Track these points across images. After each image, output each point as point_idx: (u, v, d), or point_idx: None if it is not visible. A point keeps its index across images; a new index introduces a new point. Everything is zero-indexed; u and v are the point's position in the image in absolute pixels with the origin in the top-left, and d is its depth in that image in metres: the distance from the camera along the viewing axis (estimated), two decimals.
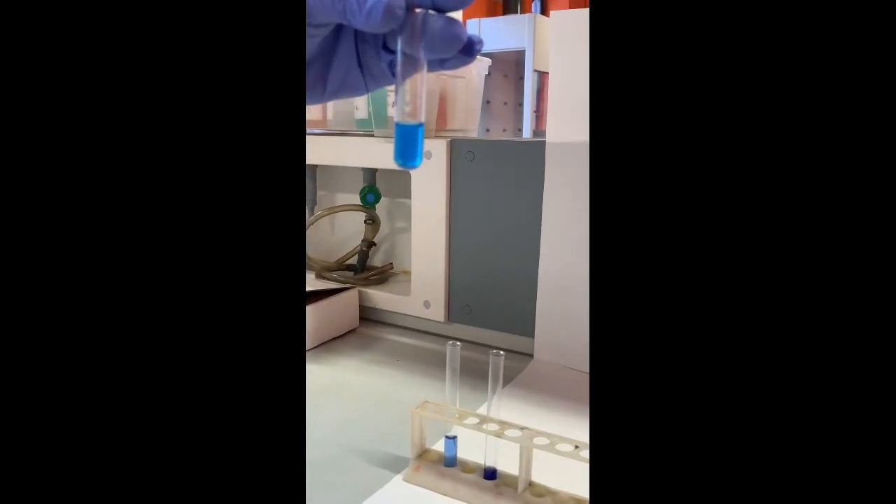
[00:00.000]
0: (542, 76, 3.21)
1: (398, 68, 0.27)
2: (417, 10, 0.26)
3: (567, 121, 0.62)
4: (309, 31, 0.28)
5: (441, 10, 0.26)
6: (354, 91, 0.31)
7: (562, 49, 0.62)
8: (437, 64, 0.28)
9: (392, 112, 0.74)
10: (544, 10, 4.43)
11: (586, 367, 0.64)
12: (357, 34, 0.30)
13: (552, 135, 0.63)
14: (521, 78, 3.00)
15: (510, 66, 3.10)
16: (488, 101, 2.89)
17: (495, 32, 3.22)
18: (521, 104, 2.93)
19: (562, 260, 0.64)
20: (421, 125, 0.28)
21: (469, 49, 0.27)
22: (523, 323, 0.68)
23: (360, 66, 0.31)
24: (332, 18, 0.27)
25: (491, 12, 3.81)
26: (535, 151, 0.64)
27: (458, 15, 0.27)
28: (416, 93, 0.27)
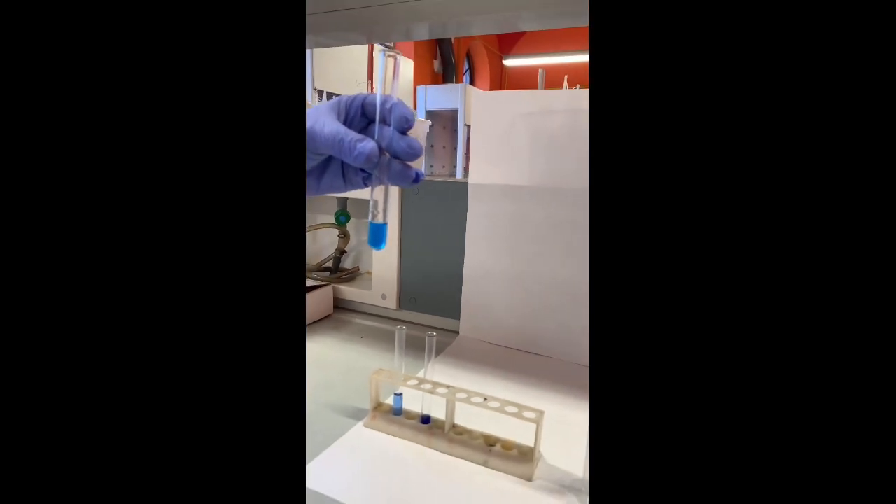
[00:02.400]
0: (470, 128, 3.24)
1: (371, 187, 0.31)
2: (385, 154, 0.30)
3: (483, 168, 0.63)
4: (314, 155, 0.31)
5: (400, 159, 0.30)
6: (337, 191, 0.34)
7: (480, 118, 0.63)
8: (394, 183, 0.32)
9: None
10: (472, 81, 4.48)
11: (498, 341, 0.65)
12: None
13: (473, 177, 0.64)
14: (455, 130, 3.02)
15: (448, 120, 3.12)
16: (432, 145, 2.90)
17: (437, 96, 3.23)
18: (455, 148, 2.97)
19: (479, 264, 0.65)
20: (385, 224, 0.31)
21: (416, 180, 0.31)
22: (453, 308, 0.68)
23: (343, 176, 0.33)
24: (331, 153, 0.30)
25: (434, 81, 3.85)
26: (461, 189, 0.65)
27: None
28: (382, 202, 0.31)
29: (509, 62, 4.65)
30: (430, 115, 3.26)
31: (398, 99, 0.30)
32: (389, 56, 0.30)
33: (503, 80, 5.08)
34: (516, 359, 0.61)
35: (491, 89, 4.68)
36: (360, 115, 0.31)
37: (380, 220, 0.31)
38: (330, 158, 0.33)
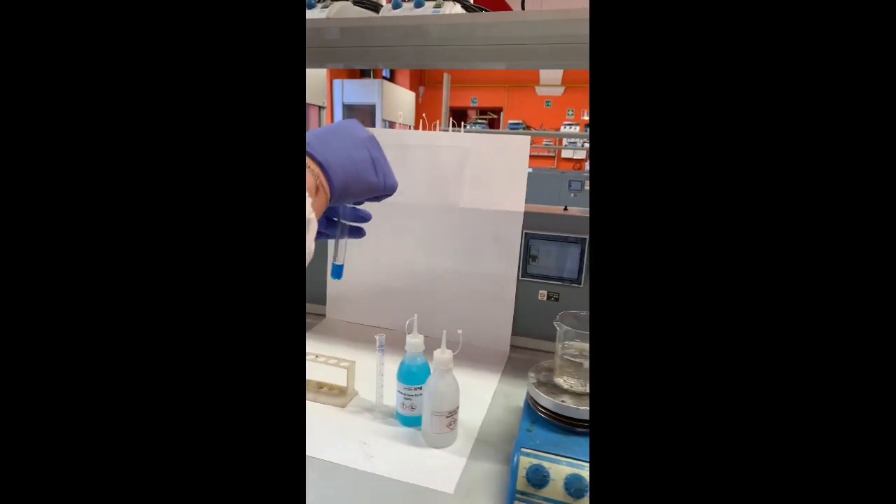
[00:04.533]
0: (390, 124, 3.34)
1: (336, 242, 0.44)
2: (343, 222, 0.43)
3: None
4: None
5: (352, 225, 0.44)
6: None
7: None
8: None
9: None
10: (392, 76, 4.55)
11: (354, 320, 0.83)
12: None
13: None
14: (374, 125, 3.13)
15: (367, 115, 3.21)
16: None
17: (354, 90, 3.31)
18: None
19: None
20: (342, 265, 0.46)
21: (362, 234, 0.44)
22: (321, 296, 0.85)
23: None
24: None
25: (350, 75, 3.88)
26: None
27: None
28: (340, 251, 0.45)
29: None
30: (348, 109, 3.34)
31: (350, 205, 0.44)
32: None
33: (423, 76, 5.20)
34: (363, 331, 0.80)
35: (411, 85, 4.77)
36: None
37: (340, 261, 0.46)
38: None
